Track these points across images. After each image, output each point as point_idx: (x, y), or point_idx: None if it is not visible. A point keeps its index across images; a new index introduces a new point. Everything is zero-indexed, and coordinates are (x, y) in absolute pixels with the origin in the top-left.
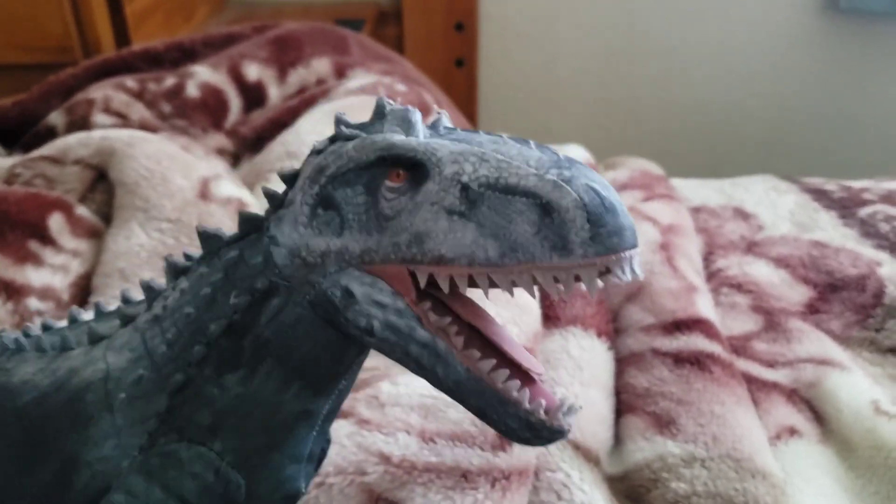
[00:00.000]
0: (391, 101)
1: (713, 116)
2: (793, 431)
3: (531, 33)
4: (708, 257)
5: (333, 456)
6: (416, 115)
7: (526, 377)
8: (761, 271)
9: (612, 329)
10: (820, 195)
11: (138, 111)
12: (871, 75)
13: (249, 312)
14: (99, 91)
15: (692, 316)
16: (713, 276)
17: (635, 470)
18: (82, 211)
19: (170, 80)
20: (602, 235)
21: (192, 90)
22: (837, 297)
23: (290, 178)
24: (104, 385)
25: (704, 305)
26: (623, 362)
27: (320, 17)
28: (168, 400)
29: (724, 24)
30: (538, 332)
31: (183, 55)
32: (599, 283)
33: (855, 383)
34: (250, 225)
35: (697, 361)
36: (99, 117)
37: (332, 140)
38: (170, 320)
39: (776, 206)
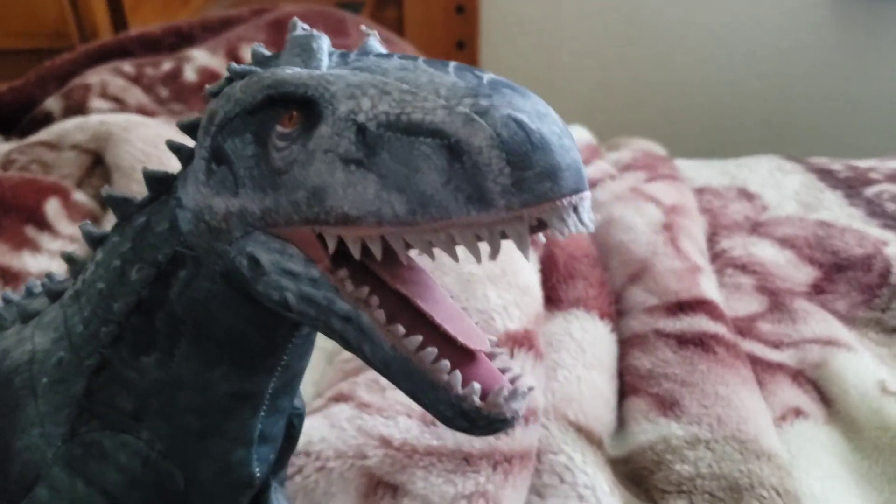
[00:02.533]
0: (304, 27)
1: (717, 97)
2: (798, 412)
3: (532, 15)
4: (712, 238)
5: (333, 440)
6: (321, 41)
7: (465, 355)
8: (766, 252)
9: (615, 310)
10: (825, 175)
11: (135, 96)
12: (876, 55)
13: (157, 288)
14: (96, 76)
15: (696, 297)
16: (717, 257)
17: (639, 452)
18: (79, 196)
19: (167, 65)
20: (529, 180)
21: (189, 74)
22: (843, 277)
23: (191, 129)
24: (30, 368)
25: (708, 286)
26: (626, 344)
27: (319, 0)
28: (86, 384)
29: (728, 4)
30: (540, 314)
31: (180, 39)
32: (541, 237)
33: (861, 364)
34: (160, 185)
35: (701, 342)
36: (96, 102)
37: (229, 80)
38: (86, 296)
39: (781, 186)
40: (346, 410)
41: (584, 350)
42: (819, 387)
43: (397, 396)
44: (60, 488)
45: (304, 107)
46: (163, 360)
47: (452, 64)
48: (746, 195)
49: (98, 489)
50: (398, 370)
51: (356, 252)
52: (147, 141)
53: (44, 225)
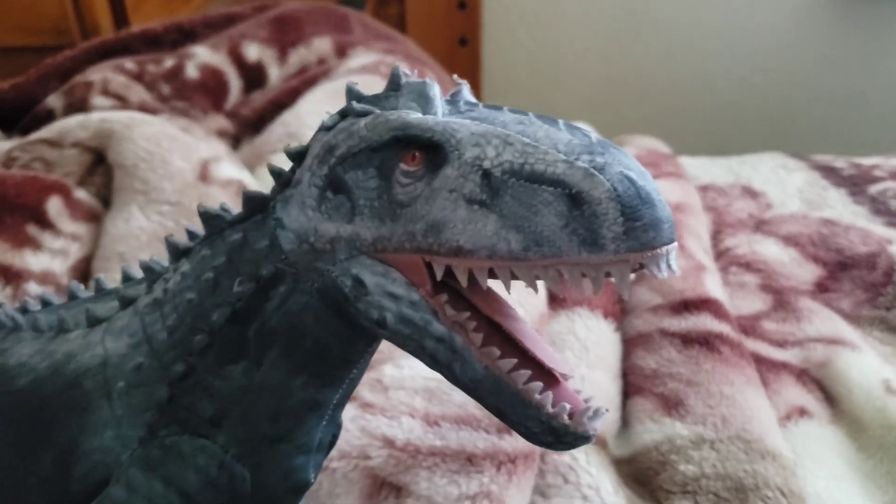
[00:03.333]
0: (407, 72)
1: (720, 94)
2: (803, 412)
3: (535, 11)
4: (716, 236)
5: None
6: (435, 90)
7: (550, 377)
8: (770, 250)
9: (619, 310)
10: (829, 172)
11: (137, 93)
12: (880, 52)
13: (254, 300)
14: (97, 73)
15: (700, 296)
16: (721, 256)
17: (643, 452)
18: (81, 194)
19: (169, 62)
20: (637, 230)
21: (191, 71)
22: (847, 275)
23: (297, 156)
24: (102, 371)
25: (713, 285)
26: (630, 343)
27: None
28: (169, 390)
29: (732, 1)
30: (544, 314)
31: (182, 36)
32: (632, 276)
33: (866, 363)
34: (255, 205)
35: (706, 342)
36: (97, 100)
37: (343, 115)
38: (170, 305)
39: (785, 183)
40: (349, 411)
41: (588, 349)
42: (823, 386)
43: (400, 397)
44: (138, 488)
45: (428, 149)
46: (249, 369)
47: (561, 121)
48: (750, 193)
49: (175, 490)
50: (488, 388)
51: (464, 281)
52: (149, 139)
53: (45, 223)
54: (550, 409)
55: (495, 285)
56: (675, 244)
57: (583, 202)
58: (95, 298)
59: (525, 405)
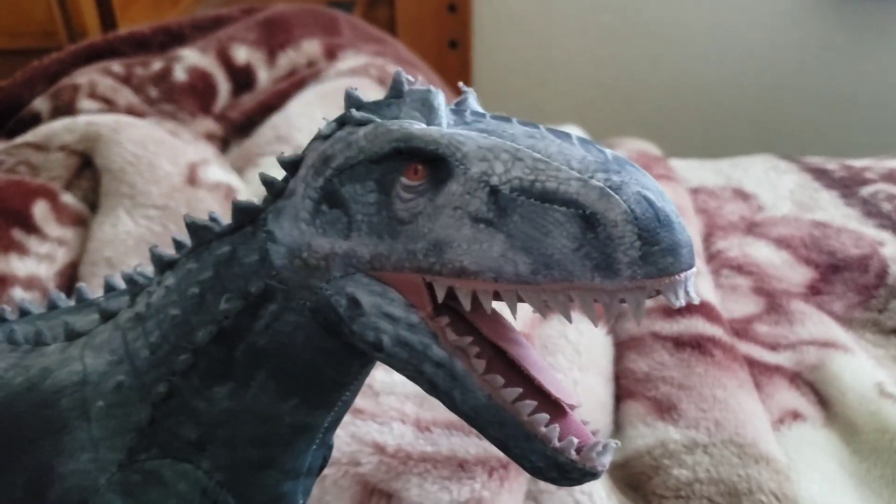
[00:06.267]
0: (410, 78)
1: (711, 96)
2: (796, 415)
3: (525, 14)
4: (708, 239)
5: None
6: (439, 98)
7: (556, 408)
8: (762, 252)
9: None
10: (821, 174)
11: (125, 96)
12: (871, 54)
13: (242, 318)
14: (84, 76)
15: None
16: (713, 258)
17: (636, 457)
18: (68, 198)
19: (157, 65)
20: (655, 255)
21: (179, 74)
22: (839, 277)
23: (291, 165)
24: (81, 389)
25: (705, 288)
26: (622, 347)
27: None
28: (150, 411)
29: (722, 3)
30: (536, 317)
31: (170, 39)
32: (649, 302)
33: (858, 365)
34: (245, 216)
35: (698, 345)
36: (84, 103)
37: (341, 123)
38: (153, 321)
39: (776, 186)
40: None
41: (580, 353)
42: (817, 389)
43: (391, 402)
44: None
45: (432, 162)
46: (236, 391)
47: (575, 135)
48: (742, 195)
49: None
50: (490, 419)
51: (467, 304)
52: (136, 142)
53: (31, 228)
54: (557, 444)
55: (501, 308)
56: (695, 269)
57: (597, 224)
58: (75, 310)
59: (529, 438)
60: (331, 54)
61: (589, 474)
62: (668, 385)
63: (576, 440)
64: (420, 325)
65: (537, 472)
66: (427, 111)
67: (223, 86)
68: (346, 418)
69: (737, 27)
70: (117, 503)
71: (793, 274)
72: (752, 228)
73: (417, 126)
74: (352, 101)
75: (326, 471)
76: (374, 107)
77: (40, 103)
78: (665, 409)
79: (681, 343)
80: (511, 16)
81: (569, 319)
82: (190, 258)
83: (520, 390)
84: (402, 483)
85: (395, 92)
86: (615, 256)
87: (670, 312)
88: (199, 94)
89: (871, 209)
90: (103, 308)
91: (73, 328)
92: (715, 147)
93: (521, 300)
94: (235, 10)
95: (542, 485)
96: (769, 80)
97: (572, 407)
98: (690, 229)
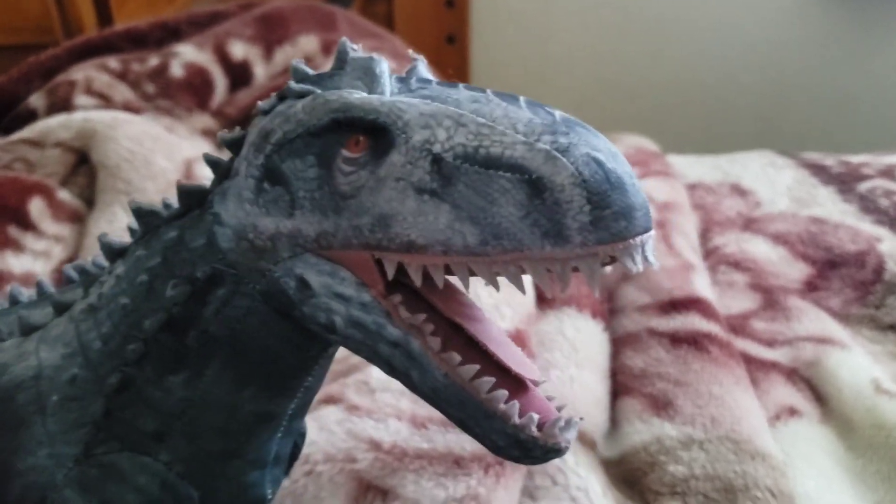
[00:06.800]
0: (354, 47)
1: (709, 92)
2: (793, 411)
3: (524, 9)
4: (705, 235)
5: (322, 443)
6: (382, 66)
7: (518, 384)
8: (759, 248)
9: (607, 309)
10: (818, 170)
11: (121, 92)
12: (869, 50)
13: (191, 305)
14: (80, 72)
15: (689, 295)
16: (710, 254)
17: (632, 453)
18: (64, 195)
19: (154, 60)
20: (606, 219)
21: (176, 70)
22: (837, 273)
23: (234, 144)
24: (36, 384)
25: (701, 284)
26: (619, 343)
27: None
28: (105, 404)
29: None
30: (532, 314)
31: (167, 34)
32: (606, 269)
33: (855, 362)
34: (192, 199)
35: (695, 341)
36: (81, 99)
37: (281, 97)
38: (105, 311)
39: (774, 181)
40: (335, 413)
41: (577, 349)
42: (813, 385)
43: (386, 399)
44: None
45: (373, 133)
46: (191, 380)
47: (522, 98)
48: (739, 191)
49: None
50: (449, 398)
51: (418, 279)
52: (133, 138)
53: (27, 224)
54: (517, 421)
55: (458, 282)
56: (652, 233)
57: (544, 189)
58: (32, 304)
59: (489, 416)
60: (328, 50)
61: (552, 451)
62: (665, 381)
63: (536, 416)
64: (372, 304)
65: (500, 451)
66: (370, 80)
67: (220, 82)
68: (343, 415)
69: (736, 23)
70: (75, 498)
71: (790, 270)
72: (749, 224)
73: (357, 95)
74: (298, 74)
75: (322, 467)
76: (317, 79)
77: (36, 99)
78: (661, 406)
79: (677, 339)
80: (509, 11)
81: (521, 290)
82: (139, 245)
83: (477, 367)
84: (398, 480)
85: (339, 63)
86: (564, 222)
87: (666, 309)
88: (195, 89)
89: (868, 205)
90: (57, 300)
91: (29, 322)
92: (715, 143)
93: (474, 274)
94: (232, 5)
95: (538, 480)
96: (770, 76)
97: (536, 382)
98: (687, 225)
